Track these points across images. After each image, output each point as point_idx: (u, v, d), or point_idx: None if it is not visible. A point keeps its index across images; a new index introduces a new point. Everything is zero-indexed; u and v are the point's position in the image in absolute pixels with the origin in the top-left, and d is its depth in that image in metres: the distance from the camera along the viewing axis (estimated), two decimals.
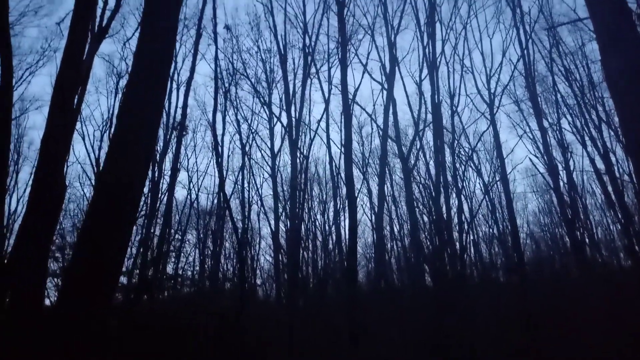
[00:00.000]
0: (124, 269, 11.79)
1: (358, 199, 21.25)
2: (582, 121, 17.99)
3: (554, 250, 27.10)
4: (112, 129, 12.67)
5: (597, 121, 17.54)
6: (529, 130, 19.26)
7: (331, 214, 21.90)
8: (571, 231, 16.57)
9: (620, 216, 16.81)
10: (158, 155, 15.87)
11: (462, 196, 19.73)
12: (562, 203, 16.75)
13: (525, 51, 18.01)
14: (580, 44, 18.15)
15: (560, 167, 18.05)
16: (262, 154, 20.33)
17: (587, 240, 19.58)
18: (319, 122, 20.68)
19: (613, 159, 17.37)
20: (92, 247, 5.18)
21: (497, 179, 20.52)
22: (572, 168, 18.86)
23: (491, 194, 21.73)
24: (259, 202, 21.25)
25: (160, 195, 16.09)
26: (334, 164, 19.22)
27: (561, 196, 16.86)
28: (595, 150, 17.46)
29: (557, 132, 18.55)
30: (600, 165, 17.48)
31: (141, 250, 14.34)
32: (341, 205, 20.86)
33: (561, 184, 17.53)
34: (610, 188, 17.19)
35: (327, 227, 22.47)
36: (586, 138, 17.88)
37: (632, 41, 5.72)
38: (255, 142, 20.05)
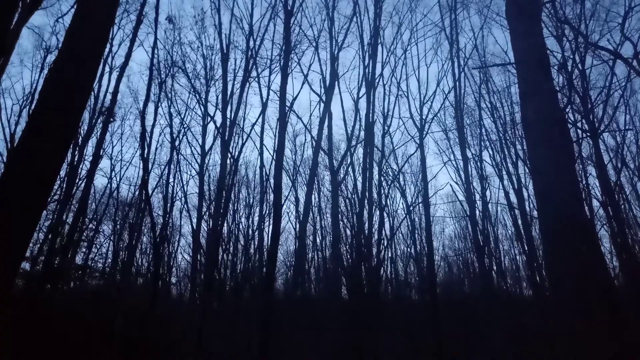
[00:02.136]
0: (28, 254, 11.11)
1: (284, 207, 21.36)
2: (501, 156, 19.16)
3: (464, 274, 28.55)
4: (33, 105, 11.93)
5: (514, 158, 18.70)
6: (453, 159, 20.22)
7: (256, 218, 21.82)
8: (481, 258, 17.50)
9: (526, 248, 17.92)
10: (80, 138, 15.10)
11: (384, 213, 20.39)
12: (475, 230, 17.66)
13: (457, 84, 18.87)
14: (507, 84, 19.32)
15: (477, 197, 19.13)
16: (192, 151, 19.90)
17: (494, 267, 20.76)
18: (253, 125, 20.66)
19: (525, 194, 18.50)
20: None
21: (420, 201, 21.37)
22: (488, 199, 20.08)
23: (413, 214, 22.60)
24: (183, 199, 20.80)
25: (77, 180, 15.30)
26: (264, 169, 19.18)
27: (475, 224, 17.77)
28: (510, 184, 18.66)
29: (478, 163, 19.64)
30: (514, 199, 18.66)
31: (50, 236, 13.54)
32: (267, 211, 20.83)
33: (477, 212, 18.51)
34: (520, 221, 18.39)
35: (250, 231, 22.36)
36: (503, 172, 19.10)
37: (547, 93, 6.26)
38: (186, 138, 19.67)
